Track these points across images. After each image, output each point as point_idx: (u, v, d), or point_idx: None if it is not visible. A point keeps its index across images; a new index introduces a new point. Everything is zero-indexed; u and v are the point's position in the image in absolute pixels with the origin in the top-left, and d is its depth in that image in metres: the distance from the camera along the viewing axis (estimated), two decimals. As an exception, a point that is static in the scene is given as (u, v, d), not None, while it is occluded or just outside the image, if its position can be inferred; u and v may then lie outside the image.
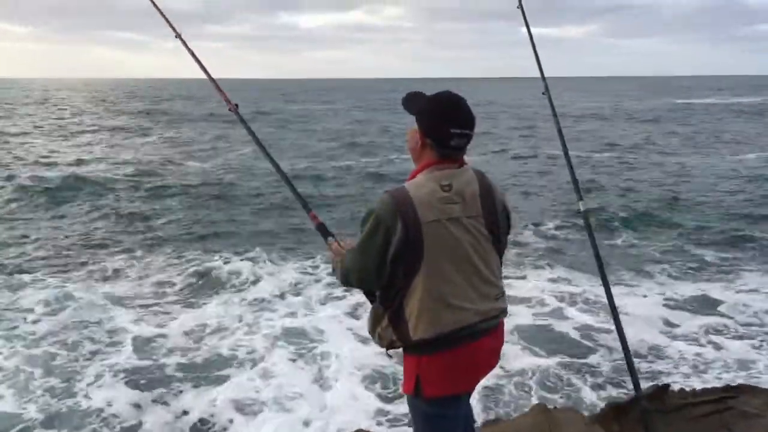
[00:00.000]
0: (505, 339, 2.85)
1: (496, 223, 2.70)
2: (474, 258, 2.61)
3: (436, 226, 2.54)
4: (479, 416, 6.66)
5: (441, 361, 2.60)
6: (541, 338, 9.38)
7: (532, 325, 9.83)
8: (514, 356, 8.71)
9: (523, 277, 11.96)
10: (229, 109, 3.74)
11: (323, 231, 3.10)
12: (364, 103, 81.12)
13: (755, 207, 18.28)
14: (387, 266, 2.58)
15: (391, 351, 2.77)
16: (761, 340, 9.16)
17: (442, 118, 2.62)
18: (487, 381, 7.83)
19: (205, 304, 10.77)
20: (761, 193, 20.21)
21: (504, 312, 2.75)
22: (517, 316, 9.92)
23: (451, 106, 2.65)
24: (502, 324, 2.79)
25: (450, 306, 2.54)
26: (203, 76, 4.07)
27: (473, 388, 2.88)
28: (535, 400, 7.28)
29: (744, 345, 9.05)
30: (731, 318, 10.07)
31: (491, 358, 2.79)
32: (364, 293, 2.89)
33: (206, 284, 11.74)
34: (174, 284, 11.76)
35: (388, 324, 2.65)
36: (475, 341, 2.63)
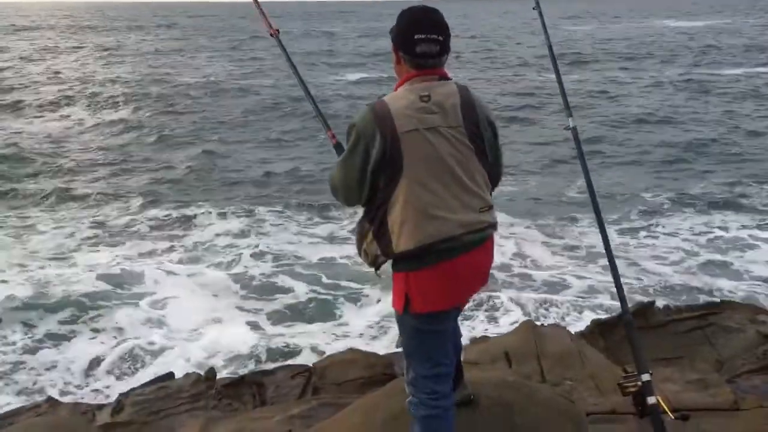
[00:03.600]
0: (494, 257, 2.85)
1: (479, 135, 2.64)
2: (455, 168, 2.58)
3: (415, 136, 2.53)
4: (467, 335, 6.80)
5: (428, 277, 2.59)
6: (533, 257, 9.50)
7: (526, 246, 9.94)
8: (503, 276, 8.85)
9: (510, 198, 11.99)
10: (271, 34, 3.67)
11: (339, 150, 3.10)
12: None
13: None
14: (368, 179, 2.58)
15: (379, 271, 2.74)
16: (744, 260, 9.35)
17: (405, 26, 2.64)
18: (475, 300, 8.00)
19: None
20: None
21: (492, 227, 2.69)
22: (504, 233, 10.03)
23: (414, 15, 2.66)
24: (491, 240, 2.74)
25: (431, 216, 2.53)
26: None
27: (463, 304, 2.89)
28: (523, 318, 7.43)
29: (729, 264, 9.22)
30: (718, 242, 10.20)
31: (480, 274, 2.76)
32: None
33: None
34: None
35: (373, 239, 2.65)
36: (462, 255, 2.60)
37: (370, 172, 2.56)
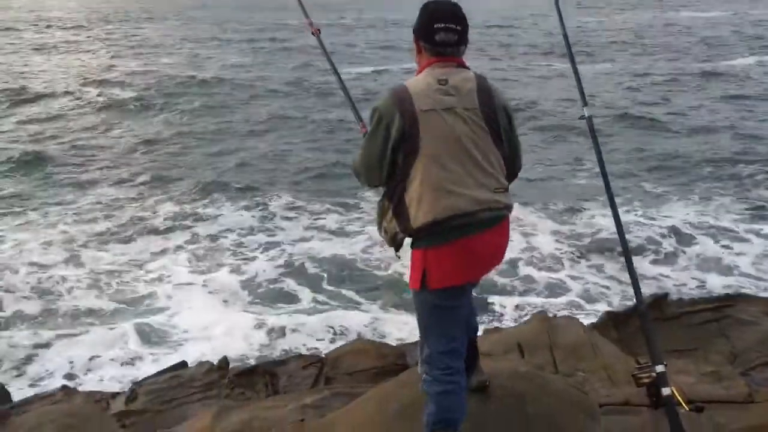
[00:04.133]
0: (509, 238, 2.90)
1: (495, 119, 2.75)
2: (470, 148, 2.69)
3: (432, 115, 2.66)
4: (480, 326, 6.79)
5: (445, 253, 2.68)
6: (545, 248, 9.48)
7: (537, 236, 9.92)
8: (517, 267, 8.84)
9: (520, 186, 11.94)
10: (312, 33, 3.82)
11: None
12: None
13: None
14: (388, 157, 2.71)
15: (399, 252, 2.86)
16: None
17: (427, 17, 2.79)
18: (488, 289, 7.99)
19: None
20: None
21: (507, 208, 2.78)
22: (514, 224, 10.02)
23: (434, 6, 2.82)
24: (507, 221, 2.83)
25: (447, 191, 2.63)
26: None
27: (477, 280, 2.96)
28: (536, 309, 7.42)
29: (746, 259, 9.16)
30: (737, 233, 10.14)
31: (494, 253, 2.83)
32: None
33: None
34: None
35: (392, 216, 2.76)
36: (478, 233, 2.69)
37: (390, 150, 2.70)
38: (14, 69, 27.83)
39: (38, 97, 22.31)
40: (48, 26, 45.28)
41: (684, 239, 9.97)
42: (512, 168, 2.90)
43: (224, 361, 5.36)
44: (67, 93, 22.93)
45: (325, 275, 8.93)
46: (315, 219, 11.10)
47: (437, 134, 2.66)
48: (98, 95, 22.64)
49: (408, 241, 2.79)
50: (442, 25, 2.75)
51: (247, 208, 11.56)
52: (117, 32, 42.94)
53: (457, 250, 2.67)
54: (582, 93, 3.37)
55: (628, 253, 3.19)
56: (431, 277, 2.70)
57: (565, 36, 3.58)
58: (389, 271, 8.92)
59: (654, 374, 2.85)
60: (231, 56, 32.62)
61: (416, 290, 2.79)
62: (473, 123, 2.70)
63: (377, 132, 2.73)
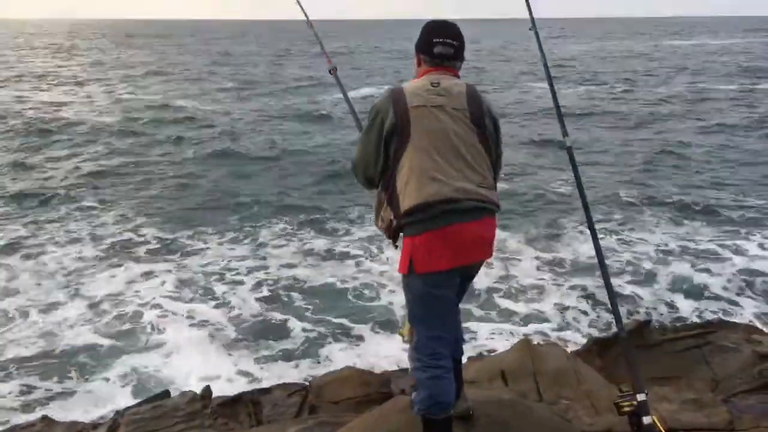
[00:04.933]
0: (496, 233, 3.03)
1: (483, 121, 2.96)
2: (457, 143, 2.89)
3: (422, 110, 2.90)
4: (465, 353, 6.78)
5: (431, 238, 2.84)
6: (526, 274, 9.51)
7: (518, 262, 9.96)
8: (500, 292, 8.86)
9: (510, 216, 12.02)
10: (330, 72, 3.99)
11: None
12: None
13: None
14: (382, 148, 2.94)
15: (397, 242, 3.02)
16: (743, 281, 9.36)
17: (427, 33, 3.09)
18: (471, 319, 7.99)
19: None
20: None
21: (492, 203, 2.93)
22: (503, 252, 10.06)
23: (435, 24, 3.11)
24: (493, 218, 2.98)
25: (432, 178, 2.82)
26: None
27: (469, 276, 3.13)
28: (519, 336, 7.42)
29: (722, 284, 9.25)
30: (716, 259, 10.23)
31: (481, 244, 2.94)
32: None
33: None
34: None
35: (387, 205, 2.97)
36: (462, 222, 2.84)
37: (384, 140, 2.93)
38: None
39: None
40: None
41: (662, 262, 10.07)
42: (495, 173, 3.07)
43: (207, 391, 5.31)
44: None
45: (312, 303, 8.87)
46: (303, 244, 11.09)
47: (426, 128, 2.88)
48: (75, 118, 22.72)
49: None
50: (441, 40, 3.03)
51: (235, 236, 11.51)
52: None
53: (442, 236, 2.83)
54: (562, 123, 3.42)
55: (608, 280, 3.22)
56: (417, 262, 2.86)
57: (546, 65, 3.64)
58: (380, 301, 8.90)
59: (635, 403, 2.87)
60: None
61: (405, 275, 2.95)
62: (461, 121, 2.92)
63: (373, 126, 2.96)
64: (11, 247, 10.87)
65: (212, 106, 27.51)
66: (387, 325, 8.17)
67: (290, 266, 10.15)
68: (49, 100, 28.79)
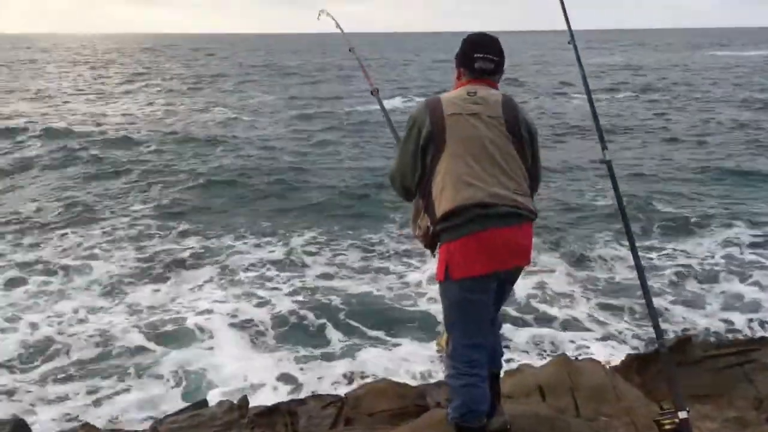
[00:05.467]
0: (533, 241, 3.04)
1: (518, 130, 2.99)
2: (492, 150, 2.92)
3: (458, 118, 2.95)
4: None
5: (466, 244, 2.87)
6: (562, 290, 9.40)
7: (553, 275, 9.86)
8: (537, 307, 8.77)
9: (545, 229, 11.90)
10: (371, 92, 4.11)
11: None
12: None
13: None
14: (419, 157, 2.98)
15: (435, 250, 3.05)
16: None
17: (468, 47, 3.12)
18: (510, 330, 7.92)
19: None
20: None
21: (529, 210, 2.94)
22: (537, 266, 9.96)
23: (475, 38, 3.15)
24: (529, 225, 2.99)
25: (467, 183, 2.86)
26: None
27: (509, 283, 3.12)
28: (557, 351, 7.34)
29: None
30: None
31: (517, 251, 2.95)
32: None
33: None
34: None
35: (424, 213, 3.02)
36: (496, 228, 2.86)
37: (421, 149, 2.98)
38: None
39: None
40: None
41: (706, 276, 9.86)
42: (534, 184, 3.12)
43: (244, 400, 5.35)
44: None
45: (350, 312, 8.89)
46: (337, 254, 11.17)
47: (462, 135, 2.92)
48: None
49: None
50: (482, 55, 3.07)
51: (270, 244, 11.67)
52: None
53: (476, 242, 2.86)
54: (601, 137, 3.40)
55: (648, 294, 3.19)
56: (453, 268, 2.89)
57: (584, 78, 3.63)
58: (417, 308, 8.91)
59: (677, 420, 2.83)
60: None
61: (441, 282, 2.98)
62: (496, 129, 2.95)
63: (410, 135, 3.02)
64: (64, 252, 11.22)
65: (251, 117, 28.04)
66: (424, 334, 8.15)
67: (326, 276, 10.22)
68: (112, 112, 29.65)
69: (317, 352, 7.87)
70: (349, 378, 7.21)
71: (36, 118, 27.02)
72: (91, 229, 12.56)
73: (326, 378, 7.24)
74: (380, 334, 8.30)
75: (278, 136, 23.52)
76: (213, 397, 6.26)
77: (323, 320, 8.64)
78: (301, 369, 7.45)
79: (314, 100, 34.61)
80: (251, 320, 8.63)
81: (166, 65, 67.31)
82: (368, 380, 6.67)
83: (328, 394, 5.72)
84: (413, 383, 5.80)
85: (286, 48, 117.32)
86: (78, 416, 6.52)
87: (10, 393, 6.96)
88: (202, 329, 8.35)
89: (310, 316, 8.77)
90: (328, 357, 7.75)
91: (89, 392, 7.00)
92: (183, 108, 31.49)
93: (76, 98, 36.12)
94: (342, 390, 6.42)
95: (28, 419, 5.89)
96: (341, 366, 7.50)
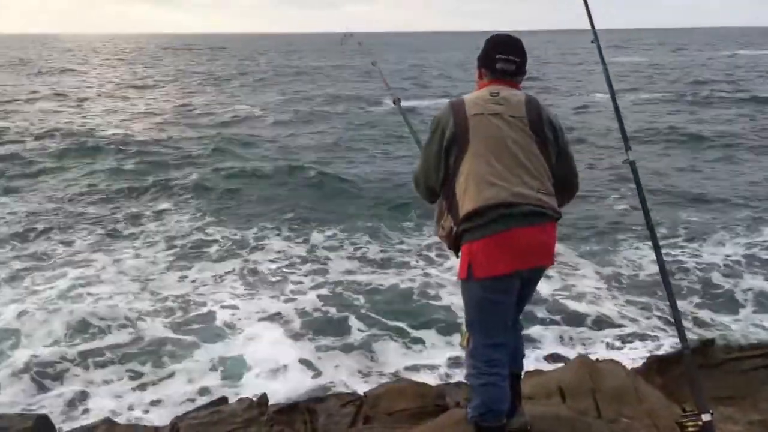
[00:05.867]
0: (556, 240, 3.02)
1: (542, 129, 2.98)
2: (515, 150, 2.91)
3: (480, 118, 2.95)
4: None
5: (488, 243, 2.86)
6: (585, 289, 9.34)
7: (575, 276, 9.80)
8: (558, 307, 8.72)
9: (567, 229, 11.83)
10: (393, 102, 4.17)
11: None
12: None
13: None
14: (443, 158, 2.99)
15: (458, 252, 3.03)
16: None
17: (490, 48, 3.13)
18: (530, 330, 7.88)
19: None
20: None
21: (552, 210, 2.93)
22: (559, 266, 9.91)
23: (498, 39, 3.15)
24: (552, 225, 2.97)
25: (490, 183, 2.86)
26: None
27: (531, 282, 3.10)
28: (578, 352, 7.29)
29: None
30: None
31: (540, 251, 2.94)
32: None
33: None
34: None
35: (447, 214, 3.02)
36: (519, 227, 2.84)
37: (444, 150, 2.98)
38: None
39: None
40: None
41: (731, 277, 9.73)
42: (568, 186, 3.11)
43: (264, 398, 5.38)
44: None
45: (373, 307, 8.97)
46: (357, 249, 11.32)
47: (484, 135, 2.92)
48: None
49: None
50: (503, 56, 3.07)
51: (290, 239, 11.86)
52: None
53: (499, 241, 2.85)
54: (625, 137, 3.37)
55: (672, 295, 3.15)
56: (476, 267, 2.88)
57: (608, 79, 3.59)
58: (440, 303, 8.95)
59: (700, 423, 2.80)
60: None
61: (464, 281, 2.98)
62: (519, 129, 2.94)
63: (434, 136, 3.03)
64: (97, 245, 11.54)
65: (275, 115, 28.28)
66: (446, 329, 8.18)
67: (349, 271, 10.34)
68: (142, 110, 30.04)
69: (340, 343, 7.94)
70: (370, 373, 7.25)
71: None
72: (123, 219, 13.13)
73: (351, 372, 7.31)
74: (404, 326, 8.37)
75: (300, 133, 23.71)
76: (245, 387, 6.50)
77: (346, 314, 8.72)
78: (322, 359, 7.54)
79: (339, 98, 34.78)
80: (278, 313, 8.76)
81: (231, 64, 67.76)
82: (386, 380, 6.68)
83: (346, 393, 5.74)
84: (434, 381, 5.80)
85: (306, 48, 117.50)
86: (125, 402, 6.72)
87: (57, 374, 7.23)
88: (229, 321, 8.52)
89: (333, 310, 8.86)
90: (349, 348, 7.81)
91: (131, 377, 7.25)
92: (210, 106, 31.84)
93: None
94: (365, 386, 6.45)
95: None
96: (366, 360, 7.55)
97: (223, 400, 5.76)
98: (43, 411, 6.12)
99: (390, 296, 9.32)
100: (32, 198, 14.88)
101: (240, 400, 5.43)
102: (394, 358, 7.58)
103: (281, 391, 6.68)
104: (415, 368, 7.25)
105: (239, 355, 7.63)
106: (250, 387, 6.87)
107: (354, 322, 8.50)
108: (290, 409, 5.12)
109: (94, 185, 16.02)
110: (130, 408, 6.65)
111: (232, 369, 7.34)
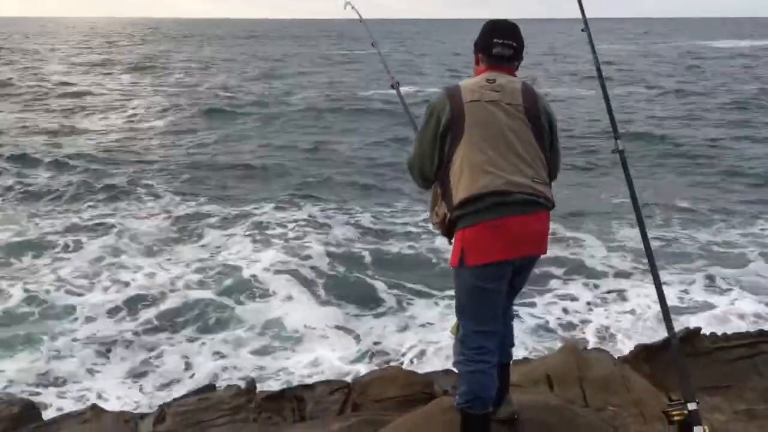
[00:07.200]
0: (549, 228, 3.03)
1: (537, 117, 2.98)
2: (511, 138, 2.90)
3: (476, 105, 2.94)
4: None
5: (481, 230, 2.86)
6: (573, 278, 9.37)
7: (565, 264, 9.83)
8: (543, 298, 8.75)
9: (555, 219, 11.85)
10: (391, 86, 4.08)
11: None
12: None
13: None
14: (437, 144, 2.97)
15: (452, 238, 3.03)
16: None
17: (487, 33, 3.12)
18: (521, 317, 7.91)
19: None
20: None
21: (546, 198, 2.92)
22: (549, 254, 9.97)
23: (495, 24, 3.16)
24: (546, 213, 2.97)
25: (484, 171, 2.85)
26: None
27: (523, 273, 3.10)
28: (565, 340, 7.31)
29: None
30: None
31: (533, 239, 2.94)
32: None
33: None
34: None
35: (441, 200, 3.01)
36: (513, 215, 2.84)
37: (440, 136, 2.97)
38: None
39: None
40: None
41: (720, 266, 9.79)
42: (551, 171, 3.08)
43: (252, 384, 5.36)
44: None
45: (379, 280, 9.36)
46: (353, 217, 12.01)
47: (480, 122, 2.90)
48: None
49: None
50: (500, 41, 3.07)
51: (286, 210, 12.42)
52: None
53: (492, 229, 2.84)
54: (614, 126, 3.35)
55: (659, 283, 3.15)
56: (468, 255, 2.87)
57: (598, 68, 3.56)
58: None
59: (686, 411, 2.80)
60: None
61: (456, 268, 2.96)
62: (515, 117, 2.93)
63: (429, 122, 3.01)
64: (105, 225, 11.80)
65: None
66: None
67: (350, 240, 10.90)
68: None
69: (369, 309, 8.51)
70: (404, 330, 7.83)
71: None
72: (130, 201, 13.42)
73: (386, 335, 7.79)
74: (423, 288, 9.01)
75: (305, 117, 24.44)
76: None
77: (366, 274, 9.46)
78: (356, 323, 8.09)
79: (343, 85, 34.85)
80: (296, 270, 9.34)
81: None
82: (381, 365, 6.71)
83: (335, 380, 5.73)
84: (424, 370, 5.81)
85: (316, 35, 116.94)
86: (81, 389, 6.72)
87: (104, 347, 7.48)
88: (258, 280, 9.05)
89: (341, 268, 9.57)
90: (379, 314, 8.39)
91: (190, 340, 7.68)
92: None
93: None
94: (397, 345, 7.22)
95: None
96: (352, 348, 7.64)
97: (211, 387, 5.75)
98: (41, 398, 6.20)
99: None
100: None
101: (228, 387, 5.42)
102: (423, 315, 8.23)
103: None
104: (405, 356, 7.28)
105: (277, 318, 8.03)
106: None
107: (379, 283, 9.15)
108: (278, 396, 5.11)
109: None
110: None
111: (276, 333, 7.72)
